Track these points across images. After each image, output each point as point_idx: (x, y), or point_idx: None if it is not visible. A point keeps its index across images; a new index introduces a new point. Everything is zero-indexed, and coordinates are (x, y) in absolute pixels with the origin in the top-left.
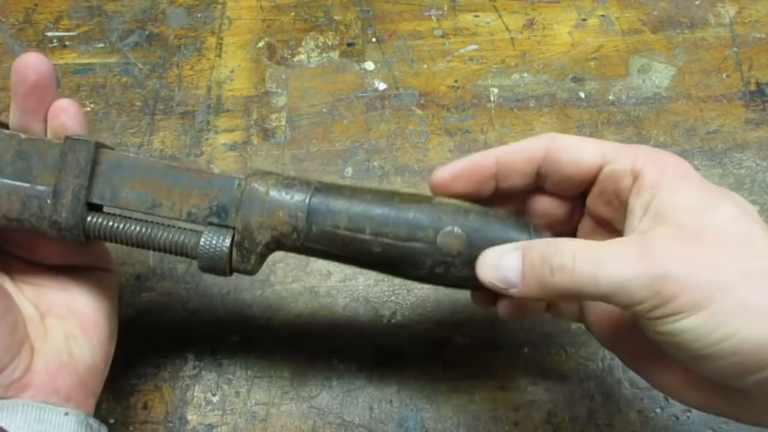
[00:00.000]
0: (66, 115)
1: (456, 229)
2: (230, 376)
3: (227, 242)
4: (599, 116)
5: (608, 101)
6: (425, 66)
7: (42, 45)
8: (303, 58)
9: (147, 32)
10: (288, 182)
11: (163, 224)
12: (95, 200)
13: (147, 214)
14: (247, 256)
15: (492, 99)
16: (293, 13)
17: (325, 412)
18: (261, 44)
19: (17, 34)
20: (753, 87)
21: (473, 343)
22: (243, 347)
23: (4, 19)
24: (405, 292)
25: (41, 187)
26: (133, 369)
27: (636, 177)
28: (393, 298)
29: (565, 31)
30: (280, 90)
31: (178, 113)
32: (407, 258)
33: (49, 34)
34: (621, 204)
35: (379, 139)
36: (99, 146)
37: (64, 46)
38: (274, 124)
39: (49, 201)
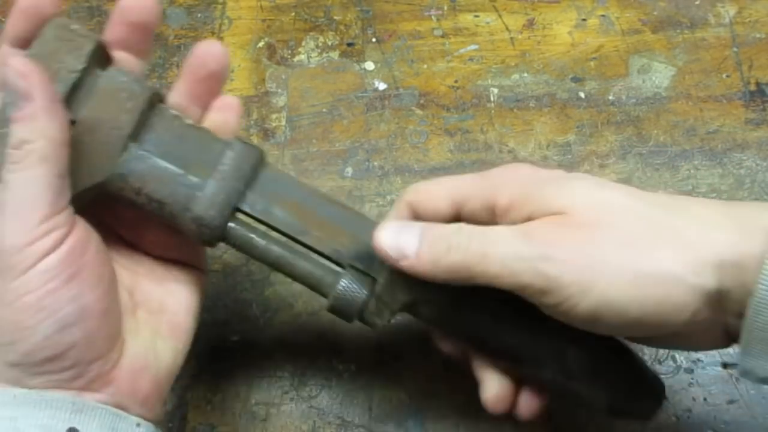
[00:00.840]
0: (231, 113)
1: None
2: (230, 376)
3: (365, 291)
4: (599, 116)
5: (608, 101)
6: (425, 66)
7: None
8: (303, 58)
9: None
10: None
11: (301, 253)
12: (245, 208)
13: (291, 238)
14: (383, 310)
15: (492, 99)
16: (293, 13)
17: (325, 412)
18: (261, 44)
19: None
20: (753, 87)
21: None
22: (243, 347)
23: (3, 19)
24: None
25: (194, 178)
26: None
27: (492, 209)
28: None
29: (565, 31)
30: (280, 90)
31: None
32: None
33: None
34: None
35: (379, 139)
36: (263, 157)
37: None
38: (274, 124)
39: (199, 194)
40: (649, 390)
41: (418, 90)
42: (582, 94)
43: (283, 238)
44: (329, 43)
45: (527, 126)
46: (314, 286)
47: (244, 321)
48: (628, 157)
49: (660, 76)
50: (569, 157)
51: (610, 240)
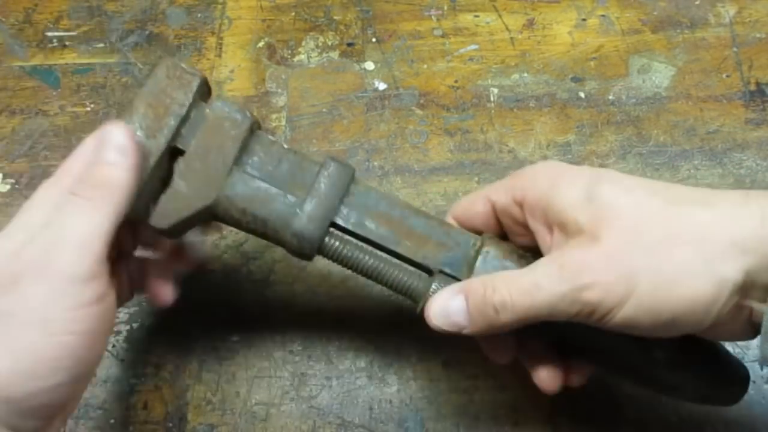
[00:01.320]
0: None
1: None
2: (230, 376)
3: None
4: (599, 116)
5: (608, 101)
6: (425, 66)
7: (42, 45)
8: (303, 58)
9: (147, 32)
10: (521, 254)
11: (392, 262)
12: (339, 222)
13: (383, 248)
14: None
15: (492, 99)
16: (293, 13)
17: (325, 412)
18: (261, 44)
19: (17, 34)
20: (753, 87)
21: (473, 343)
22: (243, 347)
23: (4, 19)
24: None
25: (293, 197)
26: (133, 369)
27: (521, 204)
28: (393, 298)
29: (565, 31)
30: (280, 90)
31: None
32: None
33: (49, 34)
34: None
35: (379, 139)
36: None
37: (64, 46)
38: (274, 124)
39: (298, 212)
40: (733, 376)
41: (418, 90)
42: (582, 94)
43: (375, 249)
44: (329, 43)
45: (527, 126)
46: (406, 293)
47: (244, 321)
48: (628, 157)
49: (660, 76)
50: (569, 157)
51: (634, 249)
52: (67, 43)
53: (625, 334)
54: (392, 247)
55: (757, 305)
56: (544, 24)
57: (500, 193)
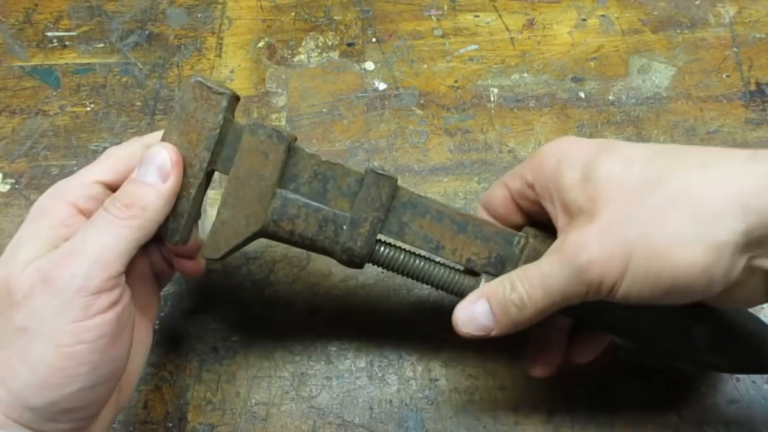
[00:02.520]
0: None
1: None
2: (230, 376)
3: None
4: (599, 116)
5: (608, 101)
6: (425, 66)
7: (42, 45)
8: (303, 58)
9: (147, 32)
10: None
11: (439, 263)
12: (385, 230)
13: (428, 253)
14: None
15: (492, 99)
16: (293, 13)
17: (325, 412)
18: (261, 44)
19: (17, 34)
20: (753, 87)
21: (473, 343)
22: (243, 347)
23: (4, 19)
24: (405, 292)
25: (339, 212)
26: None
27: (532, 187)
28: (393, 298)
29: (565, 31)
30: (280, 90)
31: None
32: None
33: (49, 34)
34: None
35: (379, 139)
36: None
37: (64, 46)
38: (274, 124)
39: (345, 227)
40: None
41: (418, 90)
42: (582, 94)
43: (422, 252)
44: (329, 43)
45: (527, 126)
46: (456, 291)
47: (244, 321)
48: None
49: (660, 76)
50: None
51: (628, 221)
52: (67, 43)
53: (662, 319)
54: (437, 251)
55: None
56: (544, 24)
57: (515, 178)
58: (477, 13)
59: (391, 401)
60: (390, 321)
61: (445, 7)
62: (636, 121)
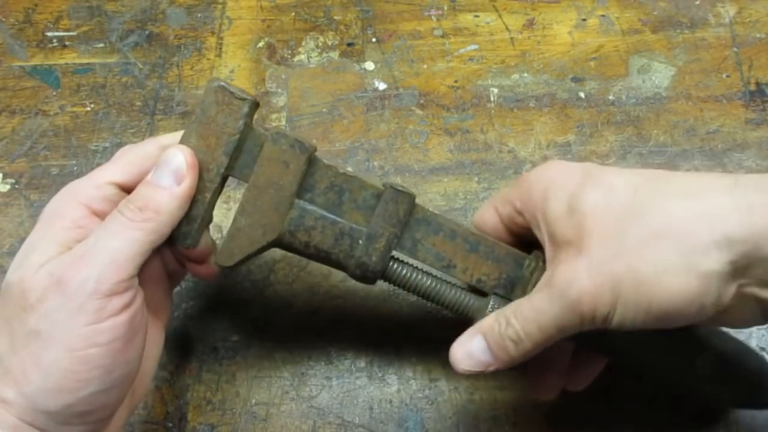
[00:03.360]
0: None
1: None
2: (230, 376)
3: None
4: (599, 116)
5: (608, 101)
6: (425, 66)
7: (42, 45)
8: (303, 58)
9: (147, 32)
10: None
11: (447, 282)
12: (397, 248)
13: (439, 271)
14: None
15: (492, 99)
16: (293, 13)
17: (325, 412)
18: (261, 44)
19: (17, 34)
20: (753, 87)
21: None
22: (243, 347)
23: (4, 19)
24: (405, 292)
25: (355, 226)
26: None
27: (521, 213)
28: (393, 297)
29: (565, 31)
30: (280, 90)
31: (178, 113)
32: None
33: (49, 34)
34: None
35: (379, 139)
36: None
37: (64, 46)
38: (274, 124)
39: (361, 241)
40: None
41: (418, 90)
42: (582, 94)
43: (433, 271)
44: (329, 43)
45: (527, 126)
46: (463, 312)
47: (244, 321)
48: (628, 157)
49: (660, 76)
50: (569, 157)
51: (615, 254)
52: (67, 43)
53: (667, 350)
54: (448, 270)
55: (759, 292)
56: (544, 24)
57: (504, 203)
58: (477, 13)
59: (391, 401)
60: (390, 321)
61: (445, 7)
62: (636, 121)
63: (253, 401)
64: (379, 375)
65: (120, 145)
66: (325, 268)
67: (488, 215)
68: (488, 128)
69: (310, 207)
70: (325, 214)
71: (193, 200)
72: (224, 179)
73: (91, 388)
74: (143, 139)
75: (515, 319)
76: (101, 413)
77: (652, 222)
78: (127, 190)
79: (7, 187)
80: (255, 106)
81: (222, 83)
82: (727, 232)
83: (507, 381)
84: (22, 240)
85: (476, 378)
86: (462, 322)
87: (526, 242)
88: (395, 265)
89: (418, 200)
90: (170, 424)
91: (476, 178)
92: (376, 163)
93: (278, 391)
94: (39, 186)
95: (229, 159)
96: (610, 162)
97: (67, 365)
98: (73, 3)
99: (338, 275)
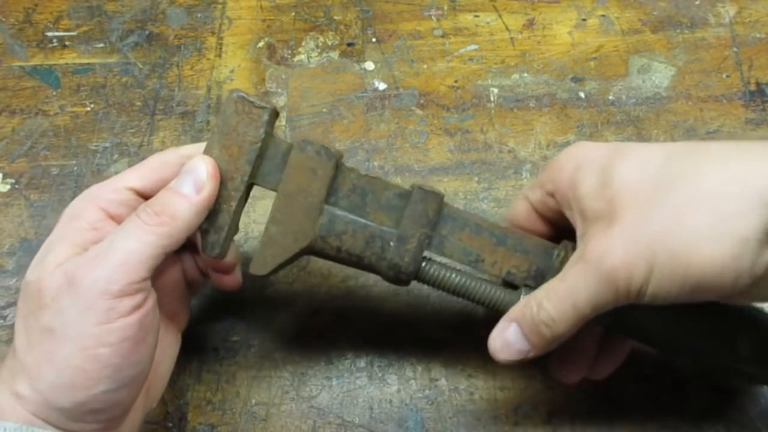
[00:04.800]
0: None
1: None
2: (230, 376)
3: None
4: (599, 116)
5: (608, 101)
6: (425, 66)
7: (42, 45)
8: (303, 58)
9: (147, 32)
10: None
11: (479, 278)
12: (430, 248)
13: (468, 266)
14: None
15: (492, 99)
16: (293, 13)
17: (325, 412)
18: (261, 44)
19: (17, 34)
20: (753, 87)
21: (473, 343)
22: (243, 347)
23: (4, 19)
24: (405, 292)
25: (385, 229)
26: None
27: (552, 195)
28: (393, 297)
29: (565, 31)
30: (280, 90)
31: (178, 113)
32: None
33: (49, 34)
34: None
35: (379, 139)
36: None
37: (64, 46)
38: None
39: (392, 243)
40: None
41: (418, 90)
42: (582, 94)
43: (463, 267)
44: (329, 43)
45: (527, 126)
46: (495, 306)
47: (244, 321)
48: None
49: (660, 76)
50: None
51: (649, 222)
52: (67, 43)
53: (709, 330)
54: (476, 265)
55: None
56: (544, 24)
57: (535, 189)
58: (477, 13)
59: (391, 401)
60: (390, 321)
61: (445, 7)
62: (636, 121)
63: (253, 401)
64: (379, 375)
65: (120, 145)
66: (324, 268)
67: (520, 206)
68: (488, 128)
69: (339, 212)
70: (355, 218)
71: (219, 210)
72: (249, 188)
73: (102, 387)
74: (143, 140)
75: (548, 301)
76: (113, 411)
77: (686, 188)
78: (145, 196)
79: (7, 187)
80: (275, 114)
81: (242, 93)
82: (764, 197)
83: (507, 381)
84: (23, 240)
85: (476, 378)
86: (461, 321)
87: (559, 229)
88: (427, 265)
89: None
90: (170, 424)
91: (476, 178)
92: (376, 163)
93: (278, 391)
94: (39, 186)
95: (252, 167)
96: None
97: (79, 363)
98: (73, 3)
99: (338, 275)
